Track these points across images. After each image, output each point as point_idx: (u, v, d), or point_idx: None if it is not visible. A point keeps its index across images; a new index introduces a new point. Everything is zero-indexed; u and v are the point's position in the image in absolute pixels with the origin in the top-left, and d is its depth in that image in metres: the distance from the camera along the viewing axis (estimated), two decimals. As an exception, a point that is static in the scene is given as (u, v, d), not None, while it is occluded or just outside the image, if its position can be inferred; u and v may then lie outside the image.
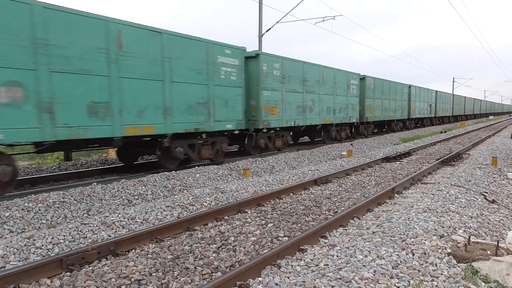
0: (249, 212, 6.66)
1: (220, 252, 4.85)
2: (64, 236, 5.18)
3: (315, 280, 3.62)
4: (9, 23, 6.98)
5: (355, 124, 22.06)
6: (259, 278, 3.93)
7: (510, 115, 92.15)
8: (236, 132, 13.44)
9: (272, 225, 5.95)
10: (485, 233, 5.49)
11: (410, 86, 30.18)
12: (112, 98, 8.63)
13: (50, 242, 4.97)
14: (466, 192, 7.56)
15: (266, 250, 4.78)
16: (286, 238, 5.35)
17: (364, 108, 22.15)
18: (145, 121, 9.40)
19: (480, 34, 74.82)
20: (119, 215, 6.06)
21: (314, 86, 16.90)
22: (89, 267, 4.40)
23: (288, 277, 3.84)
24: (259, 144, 14.11)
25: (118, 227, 5.68)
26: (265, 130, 14.38)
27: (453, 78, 67.50)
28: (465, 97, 55.52)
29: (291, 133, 17.88)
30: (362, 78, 22.15)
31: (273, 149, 15.13)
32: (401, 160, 13.29)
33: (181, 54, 10.27)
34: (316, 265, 4.07)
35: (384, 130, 28.31)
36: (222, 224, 5.98)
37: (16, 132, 7.13)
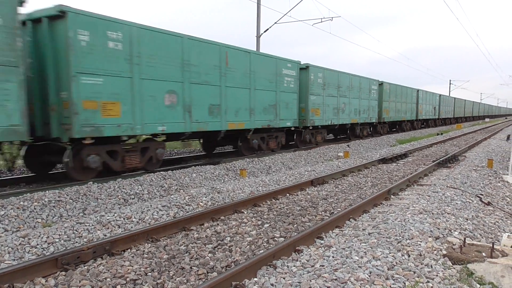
0: (246, 213, 6.66)
1: (216, 252, 4.85)
2: (59, 235, 5.16)
3: (310, 280, 3.62)
4: (170, 51, 10.17)
5: (374, 123, 25.29)
6: (255, 279, 3.92)
7: (506, 118, 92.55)
8: (292, 128, 16.63)
9: (268, 225, 5.95)
10: (480, 235, 5.51)
11: (418, 91, 33.53)
12: (221, 102, 12.07)
13: (45, 241, 4.95)
14: (462, 194, 7.59)
15: (262, 251, 4.78)
16: (282, 239, 5.35)
17: (381, 110, 25.46)
18: (239, 119, 12.95)
19: (477, 37, 75.37)
20: (115, 215, 6.04)
21: (345, 91, 20.33)
22: (84, 266, 4.38)
23: (283, 278, 3.84)
24: (305, 138, 17.39)
25: (114, 227, 5.66)
26: (310, 128, 17.53)
27: (450, 80, 67.77)
28: (465, 100, 57.26)
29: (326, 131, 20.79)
30: (381, 84, 25.54)
31: (314, 143, 18.29)
32: (397, 162, 13.32)
33: (260, 68, 13.78)
34: (312, 266, 4.07)
35: (395, 129, 31.47)
36: (218, 224, 5.97)
37: (172, 125, 10.36)
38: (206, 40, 11.32)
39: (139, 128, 9.45)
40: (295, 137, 17.34)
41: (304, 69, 16.64)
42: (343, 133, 22.84)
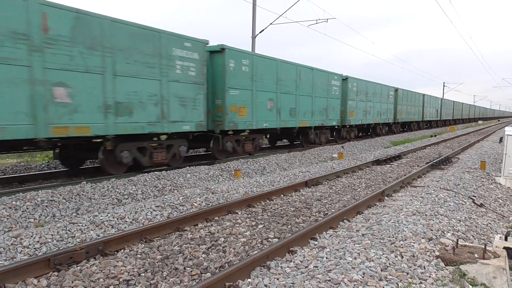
0: (240, 213, 6.65)
1: (210, 253, 4.84)
2: (52, 235, 5.12)
3: (304, 281, 3.62)
4: (270, 71, 14.47)
5: (390, 123, 29.18)
6: (249, 279, 3.92)
7: (499, 120, 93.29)
8: (336, 127, 20.58)
9: (262, 226, 5.95)
10: (473, 236, 5.54)
11: (424, 95, 37.44)
12: (296, 106, 16.28)
13: (38, 241, 4.92)
14: (454, 196, 7.63)
15: (256, 251, 4.78)
16: (276, 240, 5.35)
17: (396, 112, 29.79)
18: (306, 119, 17.15)
19: (470, 40, 75.92)
20: (109, 215, 6.01)
21: (371, 97, 24.15)
22: (77, 266, 4.36)
23: (277, 279, 3.84)
24: (343, 135, 21.44)
25: (107, 227, 5.63)
26: (347, 126, 21.74)
27: (444, 82, 68.18)
28: (462, 103, 58.69)
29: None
30: (396, 90, 29.44)
31: (348, 139, 22.18)
32: (391, 163, 13.38)
33: (318, 80, 17.93)
34: (306, 267, 4.08)
35: (405, 129, 35.26)
36: (212, 225, 5.96)
37: (270, 123, 14.63)
38: (289, 61, 15.57)
39: (255, 124, 13.76)
40: (334, 134, 21.34)
41: (345, 80, 20.77)
42: (367, 131, 26.48)
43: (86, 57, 8.31)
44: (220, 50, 12.17)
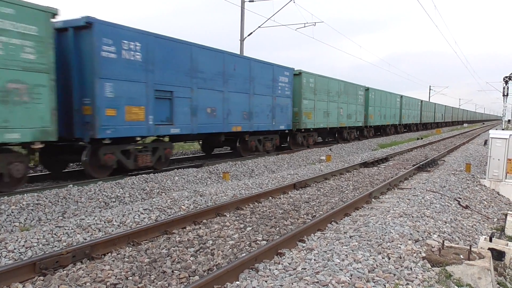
0: (228, 216, 6.65)
1: (198, 256, 4.82)
2: (37, 239, 5.05)
3: (292, 283, 3.63)
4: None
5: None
6: (237, 282, 3.92)
7: (483, 123, 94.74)
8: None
9: (250, 228, 5.95)
10: (459, 237, 5.63)
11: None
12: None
13: (23, 246, 4.84)
14: (441, 198, 7.73)
15: (244, 254, 4.78)
16: (264, 242, 5.36)
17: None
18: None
19: (456, 44, 76.94)
20: (96, 218, 5.95)
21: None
22: (63, 271, 4.30)
23: (265, 281, 3.84)
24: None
25: (94, 230, 5.58)
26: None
27: (430, 86, 69.02)
28: (445, 105, 59.04)
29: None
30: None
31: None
32: (378, 166, 13.50)
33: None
34: (294, 269, 4.09)
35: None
36: (200, 228, 5.94)
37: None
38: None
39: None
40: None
41: (297, 75, 17.96)
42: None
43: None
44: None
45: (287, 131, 17.64)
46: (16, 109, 7.40)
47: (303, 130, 18.52)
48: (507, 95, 21.42)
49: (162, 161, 11.19)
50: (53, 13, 7.98)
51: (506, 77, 20.09)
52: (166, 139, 11.73)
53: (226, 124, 13.23)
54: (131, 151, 10.10)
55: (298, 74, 17.71)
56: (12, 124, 7.37)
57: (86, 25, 8.68)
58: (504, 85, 20.76)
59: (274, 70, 15.89)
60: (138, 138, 10.46)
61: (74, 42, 8.91)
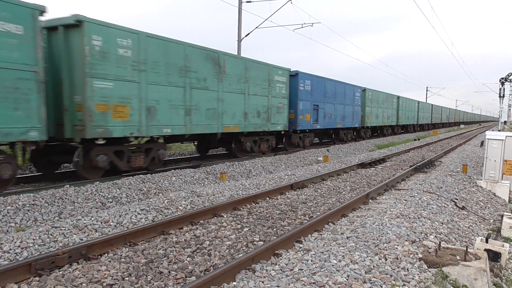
0: (225, 216, 6.64)
1: (195, 256, 4.81)
2: (33, 239, 5.03)
3: (289, 284, 3.63)
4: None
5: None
6: (234, 283, 3.92)
7: (480, 124, 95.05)
8: (282, 132, 18.33)
9: (247, 229, 5.95)
10: (455, 238, 5.64)
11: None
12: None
13: (19, 246, 4.82)
14: (437, 199, 7.75)
15: (241, 255, 4.77)
16: (261, 243, 5.36)
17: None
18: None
19: (452, 45, 77.07)
20: (92, 218, 5.93)
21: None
22: (59, 271, 4.28)
23: (262, 282, 3.84)
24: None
25: (91, 231, 5.56)
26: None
27: (427, 87, 69.22)
28: (441, 106, 59.60)
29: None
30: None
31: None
32: (375, 167, 13.51)
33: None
34: (291, 270, 4.08)
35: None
36: (197, 228, 5.93)
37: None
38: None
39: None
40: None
41: (294, 76, 17.83)
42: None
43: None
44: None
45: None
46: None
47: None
48: (503, 96, 21.53)
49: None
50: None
51: (502, 78, 20.17)
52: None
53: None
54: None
55: (294, 75, 17.55)
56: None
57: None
58: (500, 86, 20.85)
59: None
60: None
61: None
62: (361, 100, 25.71)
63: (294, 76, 17.54)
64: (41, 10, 7.82)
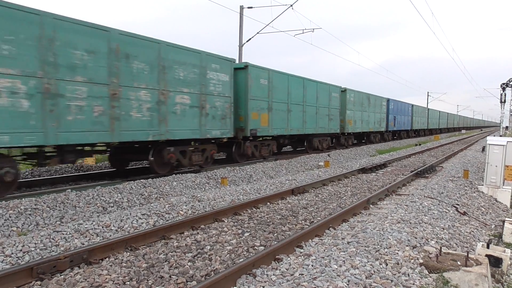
0: (226, 221, 6.65)
1: (196, 261, 4.82)
2: (35, 243, 5.05)
3: (290, 289, 3.64)
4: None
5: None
6: (234, 287, 3.92)
7: (481, 130, 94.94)
8: (225, 139, 15.17)
9: (248, 234, 5.95)
10: (456, 244, 5.64)
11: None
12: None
13: (21, 250, 4.84)
14: (438, 204, 7.75)
15: (242, 259, 4.78)
16: (262, 247, 5.36)
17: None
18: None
19: (453, 51, 77.16)
20: (93, 223, 5.95)
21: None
22: (60, 275, 4.30)
23: (263, 286, 3.85)
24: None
25: (92, 235, 5.57)
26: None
27: (428, 92, 69.25)
28: (454, 114, 60.17)
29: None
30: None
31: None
32: (376, 172, 13.51)
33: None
34: (291, 275, 4.09)
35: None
36: (198, 233, 5.94)
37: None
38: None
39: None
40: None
41: (242, 69, 14.29)
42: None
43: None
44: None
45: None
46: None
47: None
48: (505, 101, 21.52)
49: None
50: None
51: (503, 84, 20.17)
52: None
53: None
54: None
55: (242, 68, 14.18)
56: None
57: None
58: (502, 91, 20.87)
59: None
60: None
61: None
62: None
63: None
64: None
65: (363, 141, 28.81)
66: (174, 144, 11.31)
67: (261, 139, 15.96)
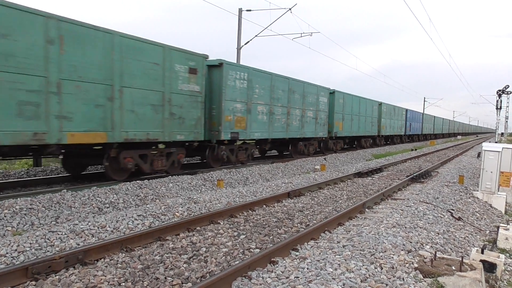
0: (222, 223, 6.65)
1: (191, 263, 4.82)
2: (30, 243, 5.03)
3: (285, 292, 3.64)
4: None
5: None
6: (230, 290, 3.93)
7: (477, 136, 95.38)
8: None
9: (244, 236, 5.96)
10: (451, 249, 5.66)
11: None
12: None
13: (15, 250, 4.82)
14: (434, 209, 7.78)
15: (238, 262, 4.78)
16: (257, 250, 5.37)
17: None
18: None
19: (450, 57, 77.63)
20: (89, 223, 5.94)
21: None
22: (55, 276, 4.28)
23: (258, 289, 3.85)
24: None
25: (88, 236, 5.56)
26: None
27: (424, 98, 69.52)
28: (449, 120, 61.08)
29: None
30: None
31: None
32: (372, 176, 13.55)
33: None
34: (287, 277, 4.10)
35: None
36: (194, 235, 5.94)
37: None
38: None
39: None
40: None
41: (217, 67, 13.05)
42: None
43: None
44: None
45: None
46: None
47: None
48: (501, 108, 21.69)
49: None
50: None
51: (499, 90, 20.33)
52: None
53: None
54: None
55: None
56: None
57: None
58: (498, 98, 21.02)
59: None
60: None
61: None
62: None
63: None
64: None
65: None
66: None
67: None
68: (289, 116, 17.03)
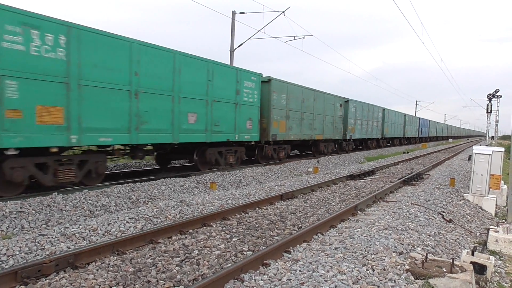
0: (214, 226, 6.63)
1: (184, 266, 4.80)
2: (20, 247, 4.98)
3: (277, 294, 3.64)
4: None
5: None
6: (222, 292, 3.92)
7: (468, 139, 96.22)
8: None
9: (237, 239, 5.95)
10: (442, 251, 5.70)
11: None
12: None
13: (5, 254, 4.77)
14: (425, 211, 7.83)
15: (230, 264, 4.77)
16: (250, 253, 5.36)
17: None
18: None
19: (441, 61, 78.30)
20: (80, 226, 5.89)
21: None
22: (45, 280, 4.24)
23: (251, 292, 3.84)
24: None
25: (79, 239, 5.51)
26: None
27: (416, 101, 70.05)
28: (442, 123, 62.18)
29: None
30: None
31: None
32: (365, 178, 13.61)
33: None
34: (279, 280, 4.10)
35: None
36: (186, 237, 5.92)
37: None
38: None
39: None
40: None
41: (346, 102, 18.14)
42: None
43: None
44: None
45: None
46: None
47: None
48: (491, 111, 21.90)
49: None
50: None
51: (490, 94, 20.54)
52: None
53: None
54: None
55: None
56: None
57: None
58: (488, 102, 21.23)
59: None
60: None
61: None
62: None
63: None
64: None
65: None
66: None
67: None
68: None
